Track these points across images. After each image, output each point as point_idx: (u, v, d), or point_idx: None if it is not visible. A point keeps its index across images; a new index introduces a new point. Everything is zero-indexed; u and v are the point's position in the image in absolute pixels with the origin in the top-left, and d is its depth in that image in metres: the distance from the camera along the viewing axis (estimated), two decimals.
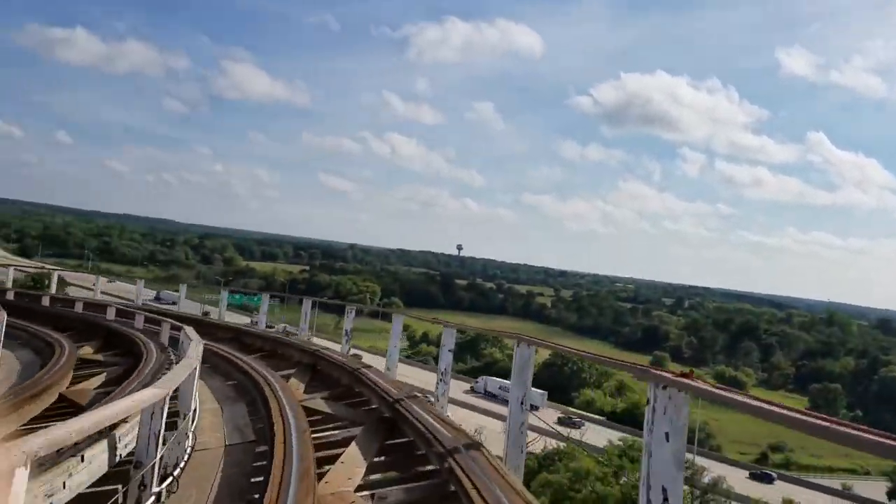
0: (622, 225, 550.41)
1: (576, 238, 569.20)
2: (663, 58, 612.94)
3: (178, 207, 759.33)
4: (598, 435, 68.40)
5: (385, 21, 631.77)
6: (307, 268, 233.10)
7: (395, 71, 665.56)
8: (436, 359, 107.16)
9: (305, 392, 11.04)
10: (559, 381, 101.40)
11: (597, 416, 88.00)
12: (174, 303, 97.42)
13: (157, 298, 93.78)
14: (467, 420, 67.44)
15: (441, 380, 10.39)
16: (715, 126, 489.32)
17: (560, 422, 77.48)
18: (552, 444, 56.37)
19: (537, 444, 57.26)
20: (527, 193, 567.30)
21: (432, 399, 10.26)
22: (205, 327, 18.56)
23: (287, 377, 12.18)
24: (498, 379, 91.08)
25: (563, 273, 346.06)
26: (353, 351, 15.98)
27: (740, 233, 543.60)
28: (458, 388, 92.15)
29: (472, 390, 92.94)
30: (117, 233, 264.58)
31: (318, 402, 10.05)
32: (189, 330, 9.78)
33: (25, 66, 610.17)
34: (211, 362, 13.33)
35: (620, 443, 53.48)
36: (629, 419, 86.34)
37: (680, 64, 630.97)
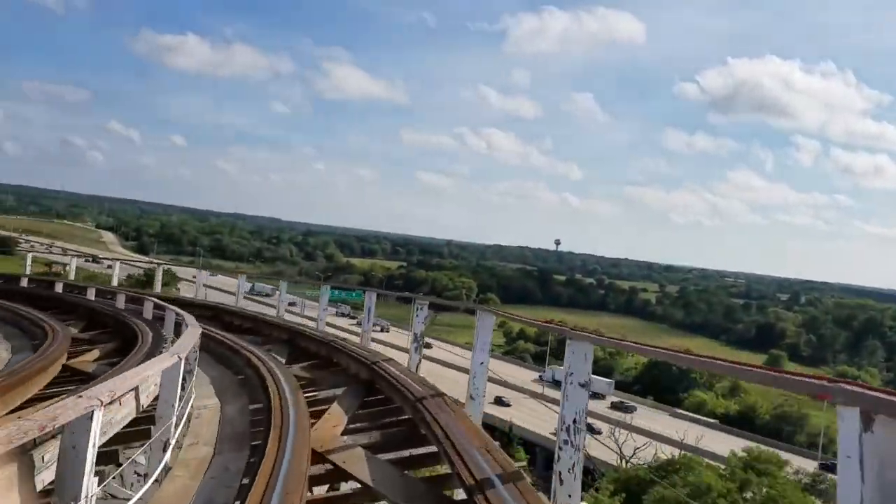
0: (731, 217, 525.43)
1: (681, 231, 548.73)
2: (773, 41, 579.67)
3: (283, 206, 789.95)
4: (714, 440, 63.38)
5: (482, 15, 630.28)
6: (404, 264, 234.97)
7: (492, 65, 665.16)
8: (534, 356, 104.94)
9: (346, 434, 7.69)
10: (667, 382, 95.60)
11: (710, 420, 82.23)
12: (267, 294, 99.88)
13: (253, 291, 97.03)
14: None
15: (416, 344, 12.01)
16: (830, 112, 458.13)
17: (613, 406, 77.45)
18: (661, 450, 52.55)
19: (645, 452, 53.73)
20: (628, 186, 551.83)
21: None
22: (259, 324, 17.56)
23: (330, 401, 9.40)
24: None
25: (668, 267, 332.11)
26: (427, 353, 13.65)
27: (859, 224, 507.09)
28: (527, 377, 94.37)
29: (541, 379, 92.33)
30: (227, 231, 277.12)
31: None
32: (188, 317, 9.77)
33: (142, 74, 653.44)
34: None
35: (744, 453, 48.50)
36: (744, 423, 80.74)
37: (791, 48, 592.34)
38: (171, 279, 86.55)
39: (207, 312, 18.82)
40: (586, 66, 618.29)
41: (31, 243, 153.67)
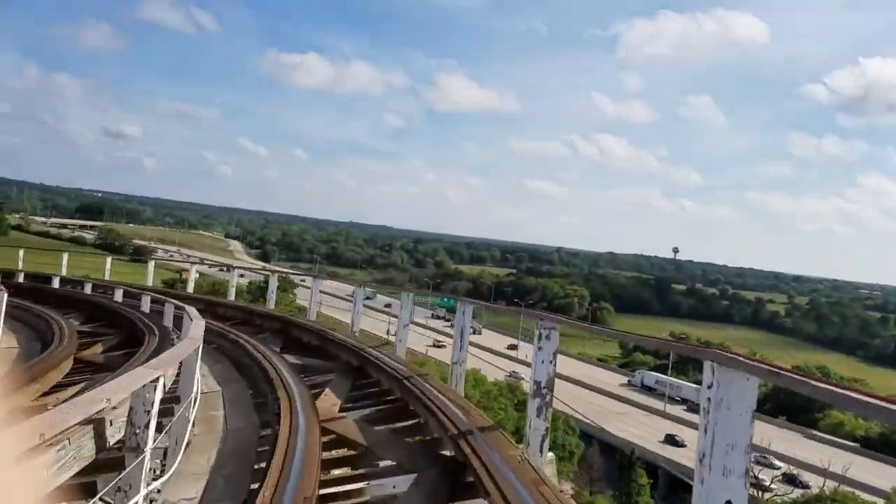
0: (864, 224, 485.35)
1: (810, 239, 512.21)
2: None
3: (395, 215, 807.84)
4: (862, 469, 56.75)
5: (595, 21, 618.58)
6: (513, 271, 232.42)
7: (604, 71, 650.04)
8: (653, 368, 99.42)
9: None
10: (802, 400, 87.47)
11: (849, 443, 74.36)
12: (368, 297, 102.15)
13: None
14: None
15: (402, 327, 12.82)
16: None
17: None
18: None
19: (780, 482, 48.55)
20: (751, 192, 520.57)
21: None
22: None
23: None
24: (654, 373, 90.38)
25: (797, 278, 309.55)
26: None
27: None
28: (614, 380, 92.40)
29: (630, 384, 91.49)
30: (343, 239, 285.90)
31: None
32: (191, 310, 9.50)
33: (267, 92, 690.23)
34: None
35: None
36: (886, 447, 72.06)
37: None
38: (287, 285, 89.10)
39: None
40: (704, 68, 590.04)
41: (170, 252, 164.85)
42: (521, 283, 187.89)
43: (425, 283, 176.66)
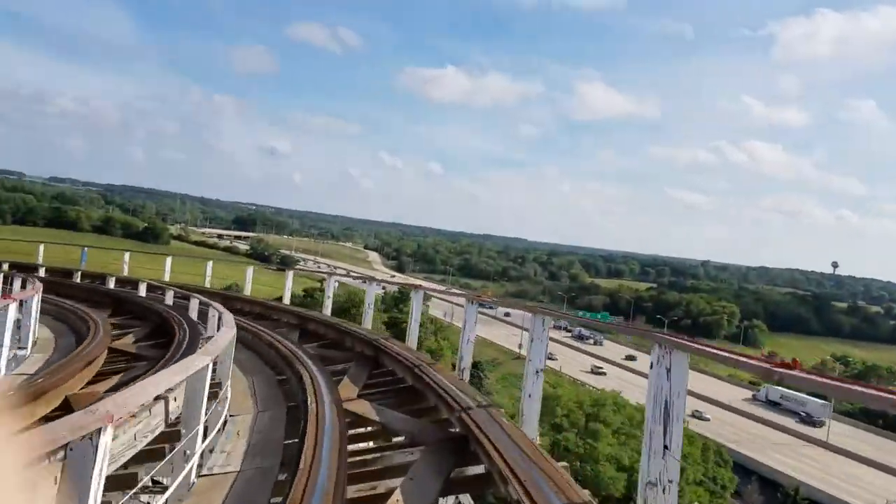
0: None
1: None
2: None
3: (529, 226, 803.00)
4: None
5: (745, 22, 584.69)
6: (654, 285, 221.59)
7: (755, 73, 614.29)
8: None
9: None
10: None
11: None
12: (490, 307, 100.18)
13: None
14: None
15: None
16: None
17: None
18: None
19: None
20: None
21: None
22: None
23: None
24: (780, 388, 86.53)
25: None
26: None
27: None
28: (737, 395, 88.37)
29: (754, 398, 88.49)
30: (476, 251, 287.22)
31: None
32: (217, 305, 11.08)
33: (405, 106, 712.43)
34: None
35: None
36: None
37: None
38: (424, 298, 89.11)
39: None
40: (866, 69, 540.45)
41: (318, 263, 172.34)
42: (662, 299, 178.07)
43: (559, 297, 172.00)
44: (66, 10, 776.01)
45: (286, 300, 21.60)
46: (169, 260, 28.23)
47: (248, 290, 23.88)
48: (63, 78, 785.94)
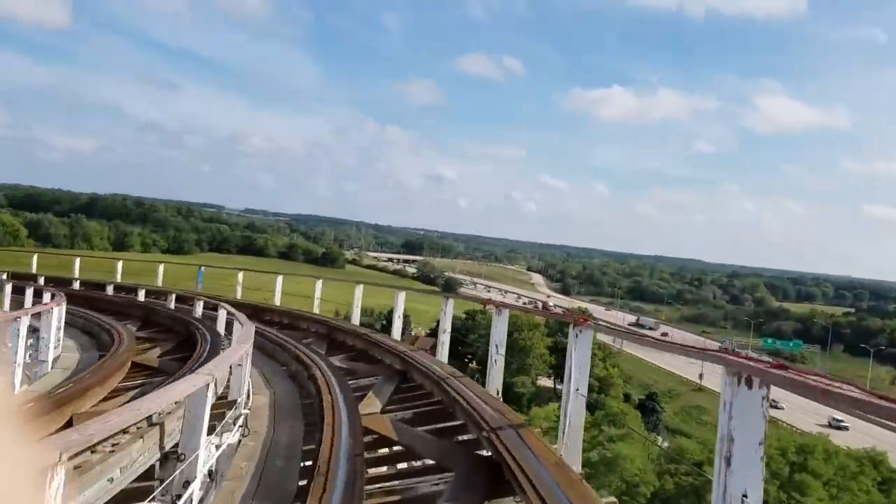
0: None
1: None
2: None
3: (706, 247, 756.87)
4: None
5: None
6: (852, 310, 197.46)
7: None
8: None
9: None
10: None
11: None
12: (651, 328, 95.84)
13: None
14: None
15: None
16: None
17: None
18: None
19: None
20: None
21: None
22: None
23: None
24: None
25: None
26: None
27: None
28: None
29: None
30: (647, 273, 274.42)
31: None
32: (240, 315, 10.38)
33: (570, 128, 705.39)
34: None
35: None
36: None
37: None
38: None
39: None
40: None
41: (477, 284, 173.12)
42: (863, 325, 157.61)
43: (743, 322, 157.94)
44: (260, 58, 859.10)
45: (355, 320, 18.71)
46: (280, 280, 24.77)
47: (277, 300, 21.96)
48: (255, 119, 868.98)
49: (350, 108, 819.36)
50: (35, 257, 30.28)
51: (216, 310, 16.19)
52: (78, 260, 27.52)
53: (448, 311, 12.37)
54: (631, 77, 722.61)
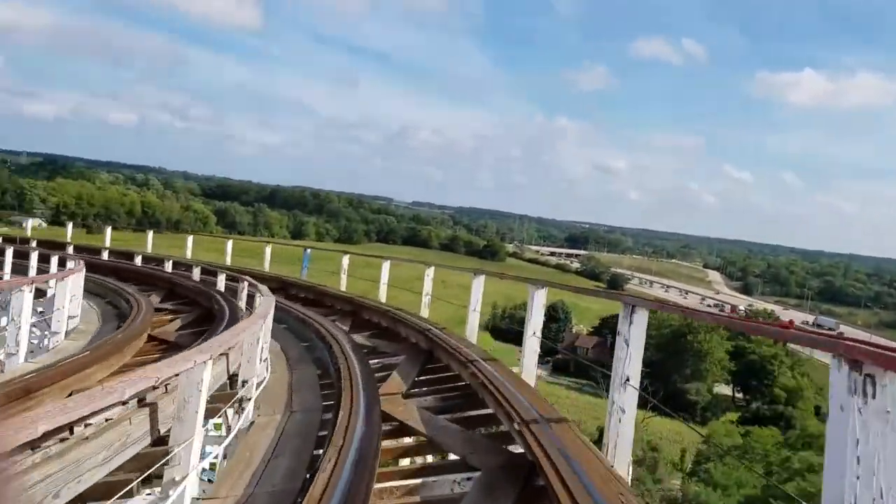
0: None
1: None
2: None
3: None
4: None
5: None
6: None
7: None
8: None
9: None
10: None
11: None
12: (830, 329, 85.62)
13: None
14: None
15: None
16: None
17: None
18: None
19: None
20: None
21: None
22: None
23: None
24: None
25: None
26: None
27: None
28: None
29: None
30: (841, 272, 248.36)
31: None
32: (263, 288, 10.74)
33: (754, 115, 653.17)
34: None
35: None
36: None
37: None
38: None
39: None
40: None
41: (654, 283, 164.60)
42: None
43: None
44: (430, 51, 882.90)
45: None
46: (386, 265, 22.69)
47: (383, 295, 17.72)
48: (424, 113, 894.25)
49: (517, 98, 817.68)
50: (190, 238, 29.83)
51: (239, 282, 15.93)
52: (230, 243, 26.99)
53: (477, 288, 12.06)
54: (823, 60, 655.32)
